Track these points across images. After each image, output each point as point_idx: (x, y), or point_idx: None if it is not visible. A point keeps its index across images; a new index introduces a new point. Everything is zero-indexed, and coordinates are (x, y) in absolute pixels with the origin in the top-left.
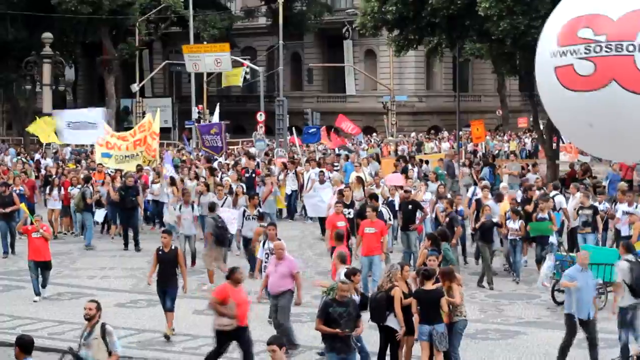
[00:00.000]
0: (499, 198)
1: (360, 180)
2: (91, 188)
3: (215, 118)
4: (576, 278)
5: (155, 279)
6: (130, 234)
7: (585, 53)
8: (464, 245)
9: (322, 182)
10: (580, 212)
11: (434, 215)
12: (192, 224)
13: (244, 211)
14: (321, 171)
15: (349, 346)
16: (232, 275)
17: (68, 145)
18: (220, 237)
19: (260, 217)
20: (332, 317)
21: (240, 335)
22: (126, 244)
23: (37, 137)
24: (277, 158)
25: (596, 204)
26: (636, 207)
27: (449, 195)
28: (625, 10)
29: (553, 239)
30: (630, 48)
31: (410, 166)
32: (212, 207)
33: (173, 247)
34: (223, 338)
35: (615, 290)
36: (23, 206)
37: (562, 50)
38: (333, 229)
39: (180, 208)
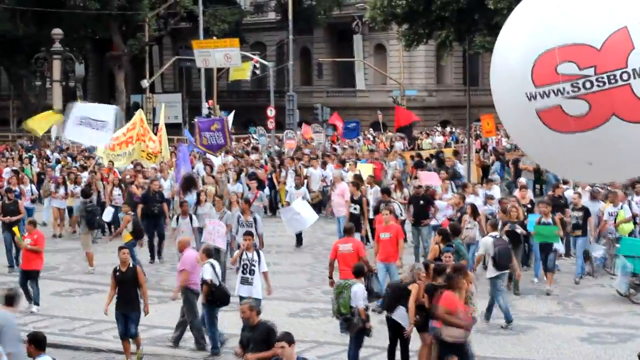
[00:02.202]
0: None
1: (358, 178)
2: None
3: (230, 119)
4: None
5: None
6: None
7: (574, 91)
8: None
9: (297, 186)
10: (572, 213)
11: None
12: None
13: (238, 217)
14: (297, 175)
15: None
16: (452, 282)
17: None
18: (90, 221)
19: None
20: (242, 342)
21: (462, 346)
22: (152, 256)
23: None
24: (287, 140)
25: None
26: (621, 207)
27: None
28: (606, 34)
29: (558, 245)
30: (625, 76)
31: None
32: (85, 194)
33: (131, 265)
34: (446, 352)
35: (477, 262)
36: (16, 230)
37: (541, 91)
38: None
39: (177, 219)
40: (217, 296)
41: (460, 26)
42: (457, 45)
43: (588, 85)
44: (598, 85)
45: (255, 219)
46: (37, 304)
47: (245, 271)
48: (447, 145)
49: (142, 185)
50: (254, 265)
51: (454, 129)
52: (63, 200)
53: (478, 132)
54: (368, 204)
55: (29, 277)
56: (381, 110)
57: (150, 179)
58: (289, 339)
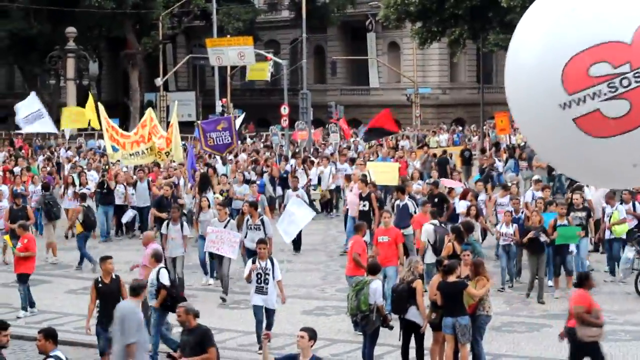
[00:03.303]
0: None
1: (364, 178)
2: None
3: (239, 120)
4: None
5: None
6: None
7: (611, 92)
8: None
9: (295, 188)
10: (572, 214)
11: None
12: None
13: (247, 220)
14: (295, 177)
15: None
16: (587, 282)
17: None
18: (47, 213)
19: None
20: (181, 346)
21: (597, 345)
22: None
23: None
24: (298, 131)
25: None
26: (616, 208)
27: None
28: (634, 25)
29: (573, 247)
30: None
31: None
32: (45, 186)
33: (114, 277)
34: (581, 351)
35: (420, 248)
36: (7, 238)
37: (576, 98)
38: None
39: (167, 225)
40: (173, 302)
41: (474, 24)
42: (470, 43)
43: (626, 83)
44: (637, 81)
45: (263, 221)
46: (24, 308)
47: (259, 280)
48: (454, 144)
49: (161, 186)
50: (268, 274)
51: (459, 127)
52: (71, 201)
53: (485, 130)
54: (377, 200)
55: (19, 280)
56: (395, 108)
57: (163, 184)
58: (311, 334)
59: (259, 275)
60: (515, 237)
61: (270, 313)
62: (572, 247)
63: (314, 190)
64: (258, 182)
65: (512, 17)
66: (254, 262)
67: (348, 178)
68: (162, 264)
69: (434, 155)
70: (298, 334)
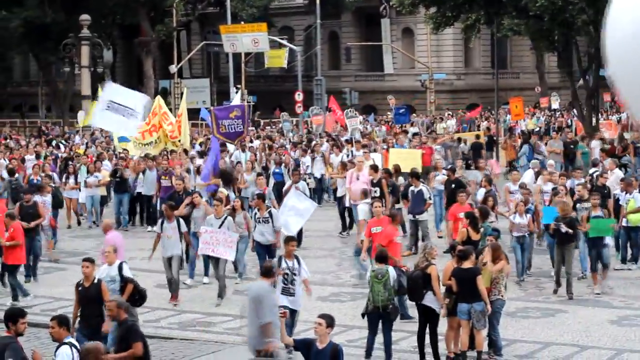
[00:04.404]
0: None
1: (375, 165)
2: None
3: (237, 100)
4: None
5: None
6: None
7: None
8: None
9: (296, 181)
10: (578, 205)
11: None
12: (176, 244)
13: (255, 214)
14: (295, 171)
15: None
16: None
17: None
18: (14, 198)
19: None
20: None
21: None
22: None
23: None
24: (314, 116)
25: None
26: (632, 196)
27: None
28: None
29: (609, 239)
30: None
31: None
32: (11, 172)
33: (96, 280)
34: None
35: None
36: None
37: None
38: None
39: (162, 223)
40: (140, 296)
41: (489, 9)
42: (484, 28)
43: None
44: None
45: (271, 214)
46: (25, 295)
47: (286, 281)
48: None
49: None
50: (295, 274)
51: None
52: (73, 191)
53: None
54: (388, 187)
55: (7, 270)
56: (410, 94)
57: (178, 177)
58: (329, 321)
59: (286, 276)
60: (530, 228)
61: (294, 313)
62: (608, 240)
63: (309, 178)
64: (277, 170)
65: (526, 2)
66: (279, 264)
67: (344, 166)
68: (122, 258)
69: (459, 140)
70: (316, 320)
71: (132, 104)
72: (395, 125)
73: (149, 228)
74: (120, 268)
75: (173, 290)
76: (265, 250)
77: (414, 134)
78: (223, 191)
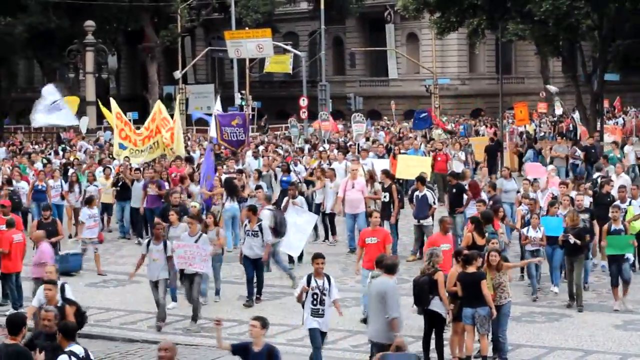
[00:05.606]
0: None
1: (371, 174)
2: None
3: (218, 107)
4: None
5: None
6: None
7: None
8: None
9: (293, 196)
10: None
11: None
12: (163, 267)
13: (245, 226)
14: (292, 185)
15: None
16: None
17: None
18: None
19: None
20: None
21: None
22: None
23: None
24: (322, 122)
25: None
26: (629, 203)
27: None
28: None
29: (630, 255)
30: None
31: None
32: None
33: (60, 304)
34: None
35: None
36: None
37: None
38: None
39: (148, 244)
40: (82, 319)
41: (493, 14)
42: (489, 33)
43: None
44: None
45: (261, 227)
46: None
47: (315, 301)
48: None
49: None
50: (325, 294)
51: (463, 118)
52: (77, 201)
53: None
54: (398, 192)
55: (2, 279)
56: (415, 99)
57: (171, 190)
58: (263, 323)
59: (315, 296)
60: (543, 243)
61: (323, 336)
62: (629, 255)
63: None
64: (284, 179)
65: (530, 7)
66: (308, 283)
67: (322, 171)
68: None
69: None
70: (250, 322)
71: (50, 100)
72: (407, 130)
73: (137, 240)
74: (62, 290)
75: (163, 316)
76: (252, 265)
77: (430, 140)
78: (196, 205)
